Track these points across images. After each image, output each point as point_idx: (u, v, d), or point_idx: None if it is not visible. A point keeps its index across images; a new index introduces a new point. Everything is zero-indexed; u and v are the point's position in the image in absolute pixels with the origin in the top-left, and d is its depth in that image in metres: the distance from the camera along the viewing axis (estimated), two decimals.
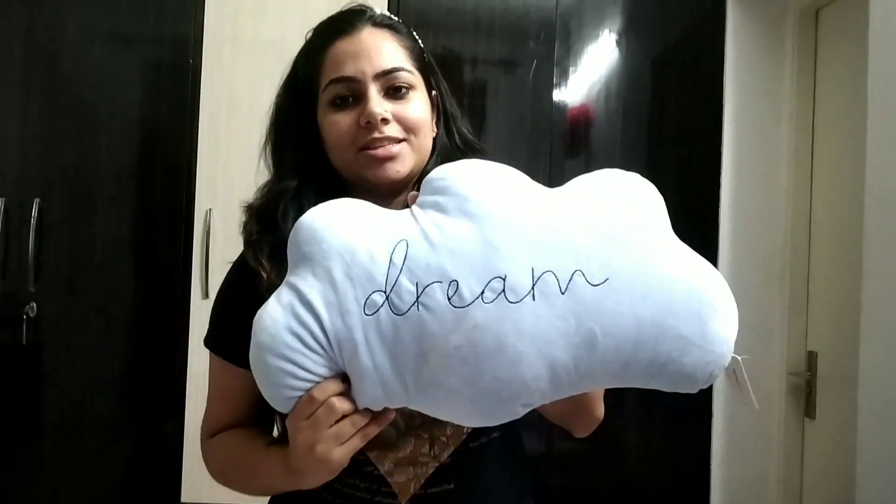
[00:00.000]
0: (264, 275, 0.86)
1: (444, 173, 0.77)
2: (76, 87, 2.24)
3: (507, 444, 0.95)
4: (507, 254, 0.70)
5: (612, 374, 0.73)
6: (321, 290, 0.72)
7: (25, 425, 2.22)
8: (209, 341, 0.97)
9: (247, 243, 0.92)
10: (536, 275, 0.70)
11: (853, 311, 1.72)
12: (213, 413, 0.98)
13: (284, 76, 0.99)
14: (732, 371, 0.83)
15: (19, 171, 2.21)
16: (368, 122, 0.87)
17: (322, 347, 0.71)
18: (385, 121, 0.87)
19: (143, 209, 2.26)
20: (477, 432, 0.90)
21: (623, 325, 0.71)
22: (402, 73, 0.90)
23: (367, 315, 0.70)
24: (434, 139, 0.96)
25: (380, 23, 0.93)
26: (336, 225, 0.74)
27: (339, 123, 0.89)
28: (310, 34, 0.96)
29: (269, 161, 0.97)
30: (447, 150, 0.97)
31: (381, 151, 0.87)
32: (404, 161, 0.89)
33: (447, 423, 0.86)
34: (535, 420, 0.91)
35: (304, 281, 0.73)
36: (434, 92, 0.97)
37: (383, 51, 0.90)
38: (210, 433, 0.97)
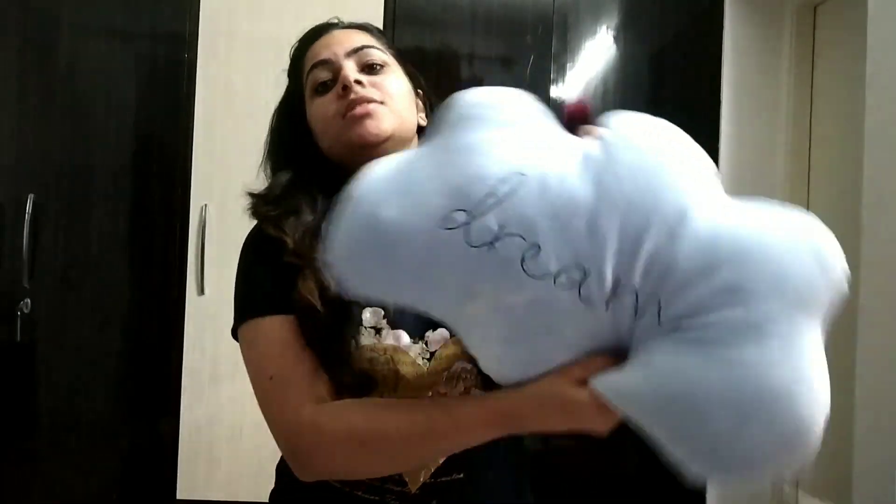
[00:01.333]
0: (289, 241, 0.85)
1: (625, 122, 0.72)
2: (71, 82, 2.23)
3: (515, 436, 0.95)
4: (604, 250, 0.62)
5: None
6: (423, 176, 0.67)
7: (20, 422, 2.22)
8: (260, 308, 0.86)
9: (264, 219, 0.91)
10: (619, 289, 0.63)
11: (850, 308, 1.72)
12: (302, 380, 0.82)
13: (278, 102, 1.03)
14: None
15: (14, 167, 2.20)
16: (345, 87, 0.89)
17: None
18: (359, 83, 0.90)
19: (139, 205, 2.25)
20: None
21: (672, 383, 0.63)
22: (373, 51, 0.94)
23: (441, 228, 0.64)
24: (423, 129, 0.98)
25: (351, 27, 0.99)
26: (479, 119, 0.69)
27: (321, 103, 0.92)
28: (292, 50, 1.01)
29: (267, 170, 0.99)
30: None
31: (358, 109, 0.89)
32: (382, 118, 0.89)
33: None
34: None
35: (415, 163, 0.70)
36: (419, 90, 1.00)
37: (353, 37, 0.96)
38: (310, 399, 0.81)
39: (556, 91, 2.32)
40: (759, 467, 0.63)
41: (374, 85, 0.91)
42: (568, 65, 2.33)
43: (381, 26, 2.22)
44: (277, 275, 0.84)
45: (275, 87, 2.49)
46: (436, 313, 0.71)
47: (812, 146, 2.26)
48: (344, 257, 0.70)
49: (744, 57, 2.32)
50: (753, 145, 2.32)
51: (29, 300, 2.18)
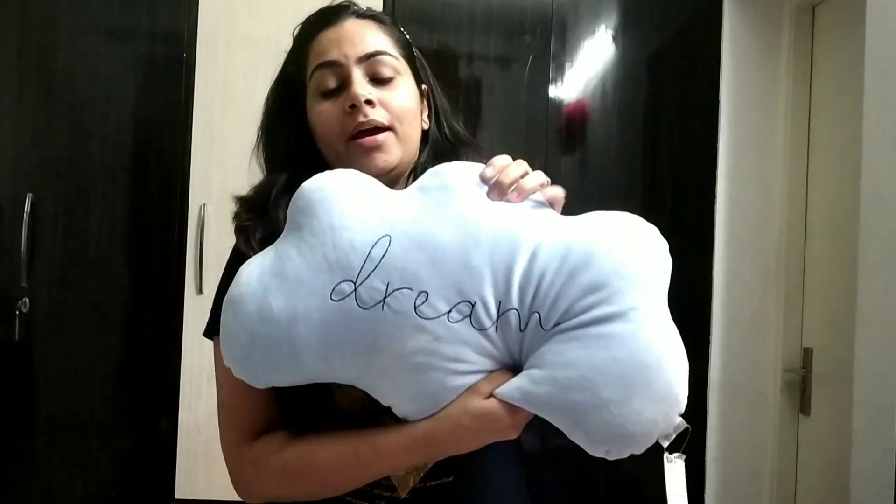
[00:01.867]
0: None
1: (457, 174, 0.78)
2: (69, 82, 2.23)
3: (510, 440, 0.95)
4: (482, 281, 0.72)
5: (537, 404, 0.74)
6: (298, 265, 0.74)
7: (18, 422, 2.21)
8: (213, 329, 0.88)
9: (238, 229, 0.91)
10: (502, 310, 0.72)
11: (848, 307, 1.72)
12: (246, 414, 0.87)
13: (275, 76, 0.99)
14: (670, 470, 0.86)
15: (12, 166, 2.20)
16: (353, 106, 0.87)
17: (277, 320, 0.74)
18: (370, 103, 0.87)
19: (137, 204, 2.25)
20: None
21: (555, 363, 0.72)
22: (385, 58, 0.90)
23: (333, 301, 0.72)
24: (426, 132, 0.96)
25: (363, 14, 0.94)
26: (332, 201, 0.76)
27: (326, 112, 0.89)
28: (296, 31, 0.97)
29: (261, 159, 0.97)
30: (438, 144, 0.97)
31: (367, 140, 0.87)
32: (391, 151, 0.88)
33: None
34: (531, 417, 0.91)
35: (288, 252, 0.76)
36: (424, 86, 0.98)
37: (367, 37, 0.90)
38: (249, 435, 0.87)
39: (554, 91, 2.32)
40: (647, 430, 0.72)
41: (383, 103, 0.88)
42: (567, 65, 2.32)
43: None
44: None
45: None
46: (343, 378, 0.76)
47: (811, 146, 2.26)
48: (246, 356, 0.75)
49: (742, 57, 2.32)
50: (752, 145, 2.32)
51: (27, 299, 2.18)
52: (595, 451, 0.74)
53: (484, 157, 0.87)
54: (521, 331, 0.73)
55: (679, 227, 2.34)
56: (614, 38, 2.35)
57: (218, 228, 2.17)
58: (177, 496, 2.19)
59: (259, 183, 0.95)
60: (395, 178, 0.91)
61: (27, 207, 2.16)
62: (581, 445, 0.74)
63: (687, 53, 2.36)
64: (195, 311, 2.14)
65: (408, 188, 0.80)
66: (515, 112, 2.32)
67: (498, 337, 0.73)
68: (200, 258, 2.18)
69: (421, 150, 0.95)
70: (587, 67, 2.33)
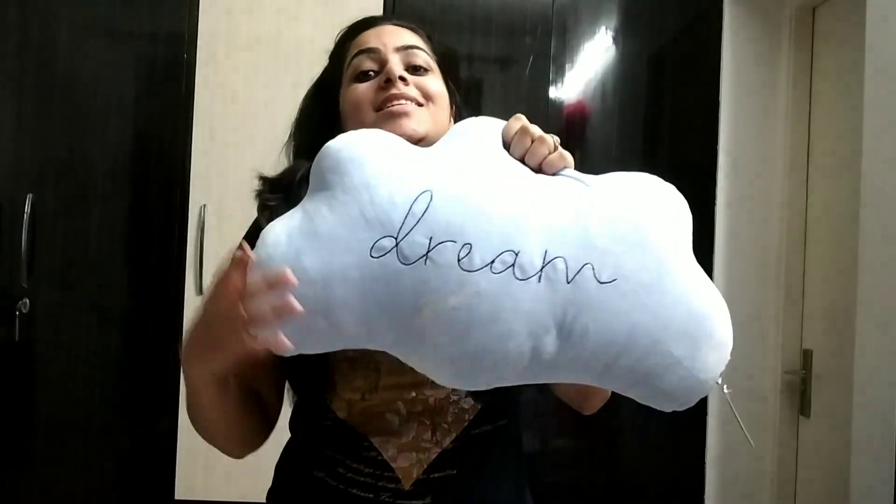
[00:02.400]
0: None
1: (489, 126, 0.79)
2: (70, 82, 2.23)
3: (509, 433, 0.96)
4: (527, 230, 0.70)
5: (593, 372, 0.74)
6: (332, 223, 0.71)
7: (18, 422, 2.21)
8: None
9: (261, 206, 0.92)
10: (548, 258, 0.70)
11: (848, 309, 1.72)
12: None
13: (314, 81, 1.03)
14: (729, 404, 0.85)
15: (12, 167, 2.20)
16: (388, 80, 0.90)
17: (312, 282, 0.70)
18: (403, 79, 0.90)
19: (137, 205, 2.25)
20: (480, 420, 0.91)
21: (617, 329, 0.71)
22: (421, 52, 0.94)
23: (373, 257, 0.69)
24: None
25: (401, 24, 0.99)
26: (363, 158, 0.74)
27: (359, 89, 0.92)
28: (339, 34, 1.01)
29: (290, 154, 1.00)
30: None
31: (397, 107, 0.89)
32: (421, 120, 0.90)
33: (448, 410, 0.89)
34: (531, 417, 0.91)
35: (318, 210, 0.72)
36: (455, 95, 1.01)
37: (404, 34, 0.96)
38: None
39: (554, 92, 2.32)
40: (714, 374, 0.77)
41: (417, 85, 0.92)
42: (567, 65, 2.32)
43: None
44: None
45: (274, 87, 2.49)
46: (379, 343, 0.73)
47: (811, 147, 2.26)
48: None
49: (743, 58, 2.32)
50: (752, 146, 2.32)
51: (27, 300, 2.18)
52: (667, 407, 0.75)
53: None
54: (567, 282, 0.70)
55: None
56: (614, 40, 2.34)
57: (218, 229, 2.17)
58: (176, 497, 2.19)
59: (285, 168, 0.97)
60: None
61: (27, 208, 2.16)
62: (652, 405, 0.76)
63: (687, 55, 2.36)
64: (195, 311, 2.14)
65: (437, 143, 0.80)
66: (515, 113, 2.31)
67: (543, 290, 0.70)
68: (200, 258, 2.18)
69: None
70: (587, 68, 2.33)
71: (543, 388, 0.92)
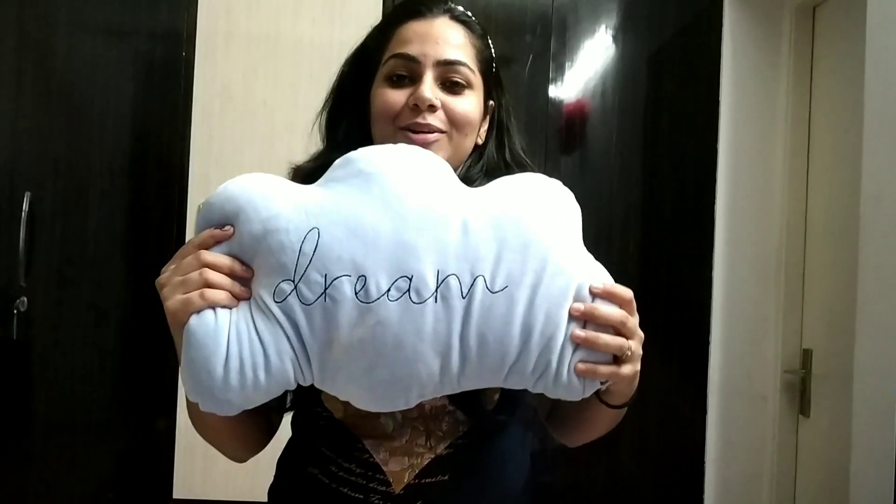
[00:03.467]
0: None
1: (374, 156, 0.78)
2: (68, 80, 2.22)
3: (508, 439, 0.95)
4: (417, 254, 0.73)
5: (499, 376, 0.76)
6: (255, 271, 0.75)
7: (16, 421, 2.21)
8: None
9: None
10: (441, 278, 0.73)
11: (848, 308, 1.72)
12: None
13: (356, 44, 1.00)
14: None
15: (10, 165, 2.19)
16: (416, 105, 0.88)
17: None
18: (433, 108, 0.88)
19: (136, 203, 2.24)
20: (475, 426, 0.90)
21: (513, 332, 0.73)
22: (462, 69, 0.90)
23: (276, 302, 0.73)
24: (480, 146, 0.97)
25: (457, 17, 0.94)
26: (254, 203, 0.76)
27: (388, 97, 0.90)
28: (392, 7, 0.98)
29: (323, 128, 0.99)
30: (493, 162, 0.97)
31: (418, 138, 0.88)
32: (438, 152, 0.88)
33: (444, 418, 0.88)
34: (531, 417, 0.91)
35: (242, 257, 0.76)
36: (492, 102, 0.98)
37: (451, 42, 0.91)
38: None
39: (554, 91, 2.32)
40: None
41: (446, 108, 0.89)
42: (566, 64, 2.32)
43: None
44: None
45: (272, 85, 2.49)
46: (310, 379, 0.76)
47: (811, 146, 2.26)
48: (213, 386, 0.74)
49: (743, 57, 2.32)
50: (752, 145, 2.32)
51: (25, 298, 2.17)
52: (574, 397, 0.77)
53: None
54: (462, 297, 0.73)
55: (679, 227, 2.34)
56: (614, 38, 2.34)
57: None
58: (175, 496, 2.18)
59: (318, 157, 0.96)
60: None
61: (25, 206, 2.16)
62: (559, 397, 0.77)
63: (687, 54, 2.36)
64: None
65: (320, 180, 0.79)
66: (515, 112, 2.30)
67: (441, 309, 0.72)
68: None
69: (470, 162, 0.95)
70: (587, 67, 2.33)
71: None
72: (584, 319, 0.75)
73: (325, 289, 0.72)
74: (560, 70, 2.32)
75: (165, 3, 2.23)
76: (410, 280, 0.72)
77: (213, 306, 0.74)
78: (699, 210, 2.32)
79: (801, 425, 2.24)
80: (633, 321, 0.77)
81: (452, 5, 0.94)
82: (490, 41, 0.97)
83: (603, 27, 2.33)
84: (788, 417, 2.25)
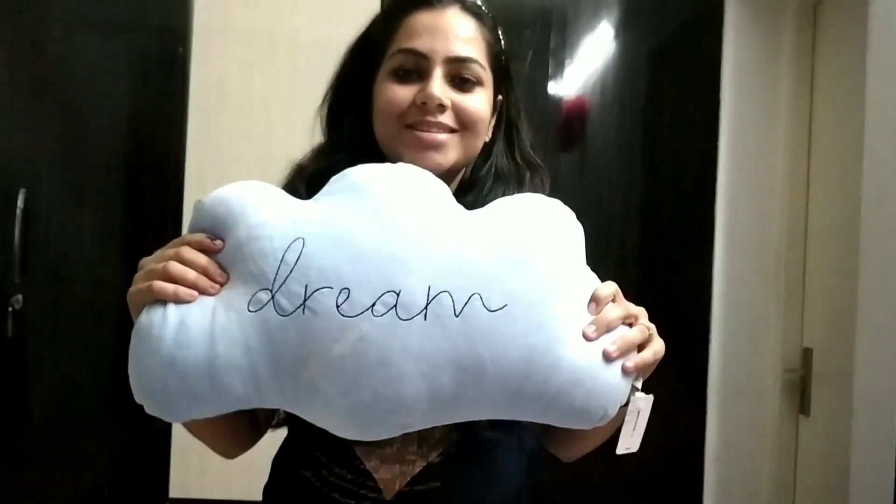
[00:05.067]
0: None
1: (370, 172, 0.75)
2: (63, 76, 2.21)
3: (502, 447, 0.92)
4: (407, 268, 0.69)
5: (499, 404, 0.71)
6: (230, 280, 0.72)
7: (10, 419, 2.20)
8: None
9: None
10: (432, 294, 0.68)
11: (849, 307, 1.71)
12: None
13: (359, 33, 0.95)
14: (637, 410, 0.80)
15: (5, 161, 2.18)
16: (425, 104, 0.84)
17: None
18: (442, 107, 0.84)
19: (132, 201, 2.23)
20: (469, 435, 0.87)
21: (514, 355, 0.69)
22: (473, 66, 0.86)
23: (250, 311, 0.68)
24: (488, 144, 0.93)
25: (468, 8, 0.89)
26: (236, 214, 0.73)
27: (393, 93, 0.85)
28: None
29: (324, 122, 0.94)
30: (502, 160, 0.94)
31: (427, 136, 0.84)
32: (448, 152, 0.85)
33: (438, 427, 0.85)
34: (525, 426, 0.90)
35: (223, 264, 0.73)
36: (500, 97, 0.94)
37: (462, 36, 0.86)
38: None
39: (554, 87, 2.30)
40: (622, 384, 0.75)
41: (456, 107, 0.85)
42: (566, 61, 2.31)
43: None
44: None
45: (269, 80, 2.47)
46: (272, 401, 0.71)
47: (812, 145, 2.25)
48: (161, 388, 0.69)
49: (744, 54, 2.31)
50: (753, 144, 2.31)
51: (20, 296, 2.16)
52: (586, 425, 0.74)
53: (547, 181, 0.91)
54: (455, 316, 0.68)
55: (679, 227, 2.33)
56: (615, 35, 2.33)
57: None
58: (171, 495, 2.18)
59: (321, 155, 0.92)
60: (443, 178, 0.90)
61: (20, 203, 2.14)
62: (572, 426, 0.74)
63: (688, 51, 2.35)
64: None
65: (318, 194, 0.76)
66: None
67: (431, 327, 0.68)
68: None
69: (477, 161, 0.92)
70: (587, 63, 2.32)
71: None
72: (598, 334, 0.72)
73: (305, 300, 0.67)
74: (560, 66, 2.30)
75: None
76: (398, 295, 0.68)
77: (163, 300, 0.70)
78: (699, 208, 2.31)
79: (801, 424, 2.23)
80: (627, 304, 0.77)
81: None
82: (500, 32, 0.94)
83: (603, 23, 2.32)
84: (788, 416, 2.25)
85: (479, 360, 0.68)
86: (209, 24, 2.20)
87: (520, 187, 0.91)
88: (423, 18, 0.86)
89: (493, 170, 0.92)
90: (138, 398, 0.71)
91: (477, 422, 0.84)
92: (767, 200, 2.30)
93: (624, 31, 2.33)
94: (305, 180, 0.88)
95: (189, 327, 0.68)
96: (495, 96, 0.92)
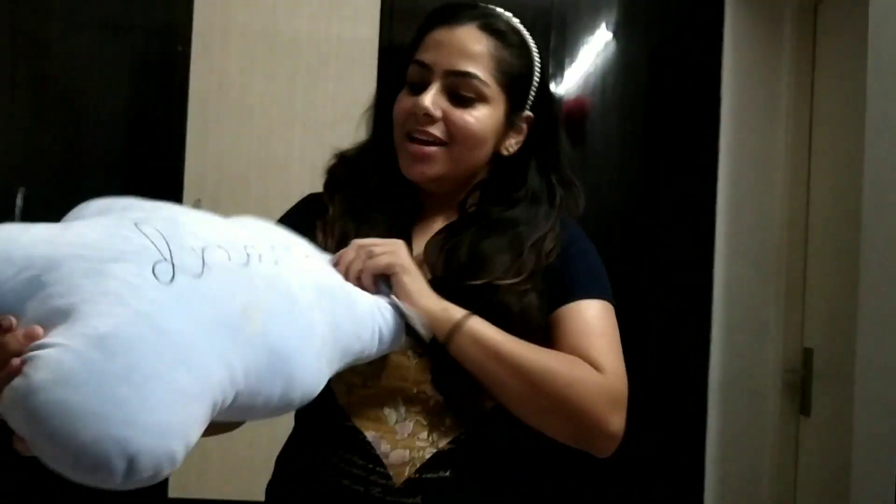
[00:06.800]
0: (331, 209, 0.93)
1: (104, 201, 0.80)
2: (63, 75, 2.21)
3: (509, 438, 0.95)
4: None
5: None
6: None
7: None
8: None
9: (330, 181, 0.97)
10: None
11: (849, 307, 1.71)
12: None
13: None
14: (399, 308, 0.83)
15: (4, 161, 2.18)
16: (415, 113, 0.89)
17: None
18: (429, 117, 0.88)
19: None
20: (478, 423, 0.90)
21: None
22: (473, 82, 0.89)
23: (163, 284, 0.63)
24: (516, 159, 0.95)
25: (487, 26, 0.92)
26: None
27: (402, 103, 0.92)
28: (427, 12, 0.96)
29: (371, 115, 1.00)
30: (535, 179, 0.95)
31: (414, 148, 0.89)
32: (433, 165, 0.90)
33: (448, 414, 0.88)
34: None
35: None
36: (528, 113, 0.95)
37: (467, 52, 0.89)
38: None
39: (554, 88, 2.30)
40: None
41: (448, 119, 0.89)
42: (566, 61, 2.31)
43: (377, 22, 2.20)
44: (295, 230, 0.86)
45: (269, 80, 2.46)
46: (240, 384, 0.67)
47: (812, 145, 2.25)
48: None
49: (744, 55, 2.31)
50: (753, 144, 2.31)
51: None
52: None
53: (582, 201, 0.95)
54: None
55: (679, 227, 2.33)
56: (614, 35, 2.33)
57: None
58: (170, 495, 2.17)
59: (363, 148, 0.99)
60: (451, 188, 0.95)
61: (19, 202, 2.14)
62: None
63: (688, 51, 2.35)
64: None
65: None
66: None
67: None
68: None
69: (489, 173, 0.96)
70: (587, 64, 2.32)
71: None
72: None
73: (204, 260, 0.69)
74: (560, 67, 2.30)
75: None
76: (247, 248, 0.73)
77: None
78: (700, 207, 2.31)
79: (801, 424, 2.23)
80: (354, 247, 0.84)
81: (484, 12, 0.93)
82: (535, 53, 0.96)
83: (603, 24, 2.32)
84: (789, 417, 2.24)
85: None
86: (209, 24, 2.20)
87: (550, 207, 0.94)
88: (437, 34, 0.91)
89: (529, 193, 0.94)
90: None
91: (486, 412, 0.88)
92: (767, 200, 2.30)
93: (624, 32, 2.33)
94: (343, 166, 0.97)
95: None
96: (513, 113, 0.94)
